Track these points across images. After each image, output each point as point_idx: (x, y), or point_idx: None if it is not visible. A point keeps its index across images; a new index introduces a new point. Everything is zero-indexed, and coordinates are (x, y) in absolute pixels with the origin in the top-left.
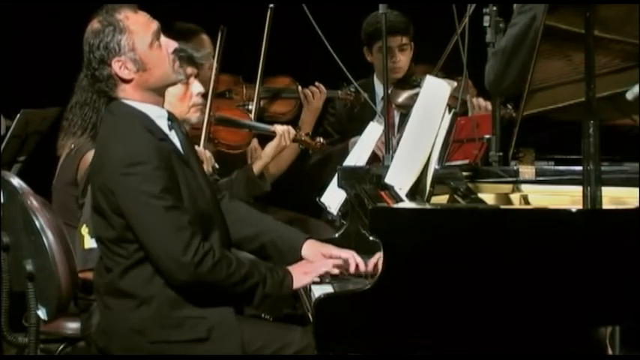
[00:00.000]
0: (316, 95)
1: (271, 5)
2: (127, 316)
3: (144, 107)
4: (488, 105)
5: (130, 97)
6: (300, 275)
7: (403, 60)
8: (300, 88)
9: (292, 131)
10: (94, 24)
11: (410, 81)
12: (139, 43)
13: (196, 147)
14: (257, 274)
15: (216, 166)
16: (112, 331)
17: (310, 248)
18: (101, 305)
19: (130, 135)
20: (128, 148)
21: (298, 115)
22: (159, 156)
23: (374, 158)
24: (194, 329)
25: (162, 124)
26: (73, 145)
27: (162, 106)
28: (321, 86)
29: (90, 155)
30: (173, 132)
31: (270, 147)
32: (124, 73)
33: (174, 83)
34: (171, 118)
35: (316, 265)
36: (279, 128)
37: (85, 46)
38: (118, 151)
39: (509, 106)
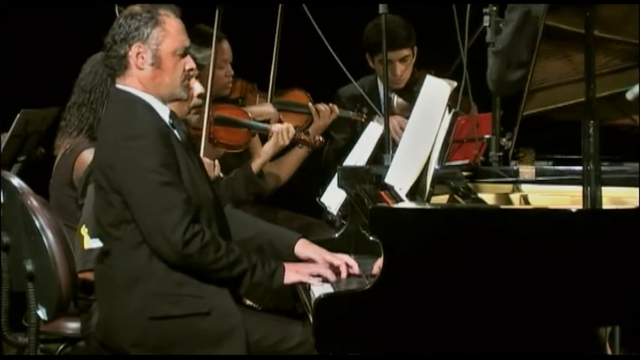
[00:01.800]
0: (327, 114)
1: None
2: (125, 296)
3: (146, 97)
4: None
5: (134, 85)
6: (292, 272)
7: (405, 71)
8: (310, 104)
9: (292, 130)
10: (135, 7)
11: (412, 91)
12: (165, 44)
13: (204, 159)
14: (246, 262)
15: (221, 175)
16: (112, 316)
17: (303, 247)
18: (100, 294)
19: (130, 113)
20: (128, 123)
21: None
22: (158, 132)
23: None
24: (195, 304)
25: (165, 117)
26: (68, 145)
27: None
28: (335, 107)
29: (85, 154)
30: (175, 130)
31: (269, 145)
32: (138, 62)
33: (176, 98)
34: (172, 116)
35: (310, 266)
36: (275, 127)
37: (116, 22)
38: (117, 128)
39: (506, 136)
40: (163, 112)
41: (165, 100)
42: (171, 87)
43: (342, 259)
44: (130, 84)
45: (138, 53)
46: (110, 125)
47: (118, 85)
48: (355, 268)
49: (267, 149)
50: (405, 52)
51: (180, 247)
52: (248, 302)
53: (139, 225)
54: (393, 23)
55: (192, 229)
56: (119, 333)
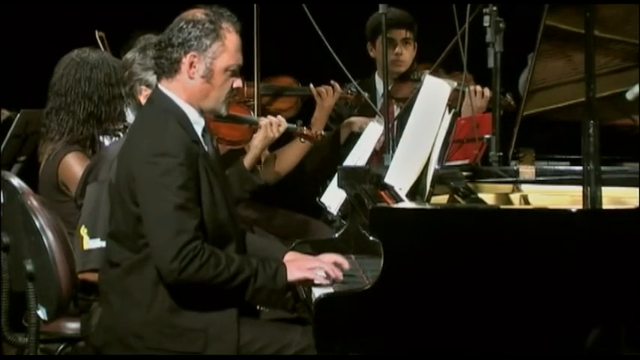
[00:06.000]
0: (329, 93)
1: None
2: (127, 317)
3: (185, 107)
4: (487, 91)
5: (178, 93)
6: (294, 269)
7: (406, 54)
8: (312, 88)
9: (283, 123)
10: (199, 14)
11: (411, 76)
12: (221, 59)
13: None
14: (248, 269)
15: None
16: (112, 330)
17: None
18: (104, 302)
19: (163, 126)
20: (158, 138)
21: (301, 112)
22: (187, 153)
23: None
24: (191, 343)
25: (198, 130)
26: (51, 151)
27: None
28: (336, 85)
29: (68, 158)
30: (204, 144)
31: (257, 139)
32: (190, 71)
33: (216, 113)
34: (205, 129)
35: (309, 262)
36: (263, 120)
37: (176, 24)
38: (147, 140)
39: (508, 96)
40: (198, 124)
41: (203, 113)
42: (215, 102)
43: (331, 259)
44: (173, 89)
45: (192, 63)
46: (142, 132)
47: (162, 87)
48: (345, 265)
49: (257, 143)
50: (407, 34)
51: (176, 274)
52: None
53: (148, 239)
54: (396, 10)
55: (193, 252)
56: (116, 348)
